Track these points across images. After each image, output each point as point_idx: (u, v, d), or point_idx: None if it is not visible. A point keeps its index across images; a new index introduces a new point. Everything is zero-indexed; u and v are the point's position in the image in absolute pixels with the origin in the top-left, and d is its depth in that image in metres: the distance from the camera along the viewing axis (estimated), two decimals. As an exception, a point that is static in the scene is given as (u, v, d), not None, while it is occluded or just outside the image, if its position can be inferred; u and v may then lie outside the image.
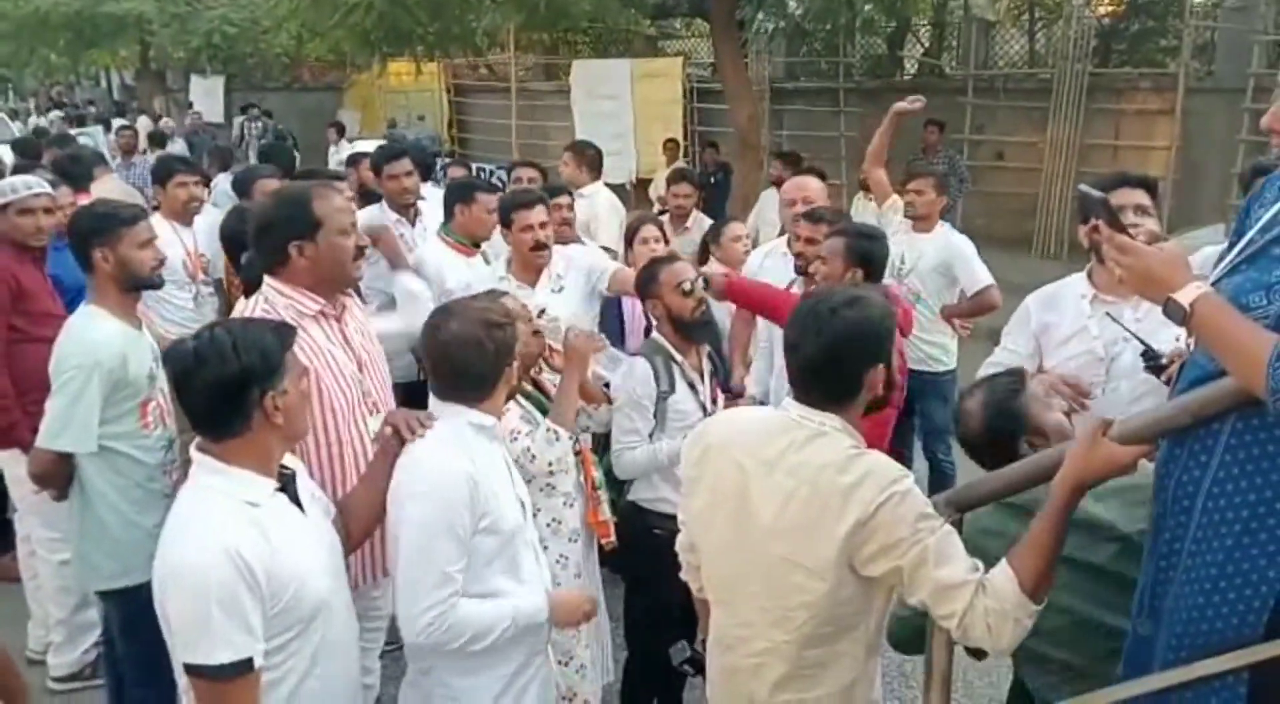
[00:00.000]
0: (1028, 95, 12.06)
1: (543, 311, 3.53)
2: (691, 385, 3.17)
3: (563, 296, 3.82)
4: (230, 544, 1.86)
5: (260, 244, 2.70)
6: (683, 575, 2.37)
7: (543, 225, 3.83)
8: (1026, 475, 1.98)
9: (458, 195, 4.41)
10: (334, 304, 2.74)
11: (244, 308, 2.74)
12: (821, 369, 1.97)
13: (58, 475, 2.97)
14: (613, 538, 3.07)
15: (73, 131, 14.21)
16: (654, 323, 3.31)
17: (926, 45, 15.27)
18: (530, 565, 2.33)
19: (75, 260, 3.10)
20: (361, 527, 2.34)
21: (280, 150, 8.37)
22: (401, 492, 2.18)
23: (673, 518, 2.96)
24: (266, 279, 2.70)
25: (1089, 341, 2.99)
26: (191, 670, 1.86)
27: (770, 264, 4.17)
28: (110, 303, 3.03)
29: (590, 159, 5.74)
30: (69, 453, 2.94)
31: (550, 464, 2.82)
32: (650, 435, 3.14)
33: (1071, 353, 3.02)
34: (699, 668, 2.40)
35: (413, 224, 5.01)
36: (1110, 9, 13.44)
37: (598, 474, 3.12)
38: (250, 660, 1.86)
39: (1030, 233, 11.54)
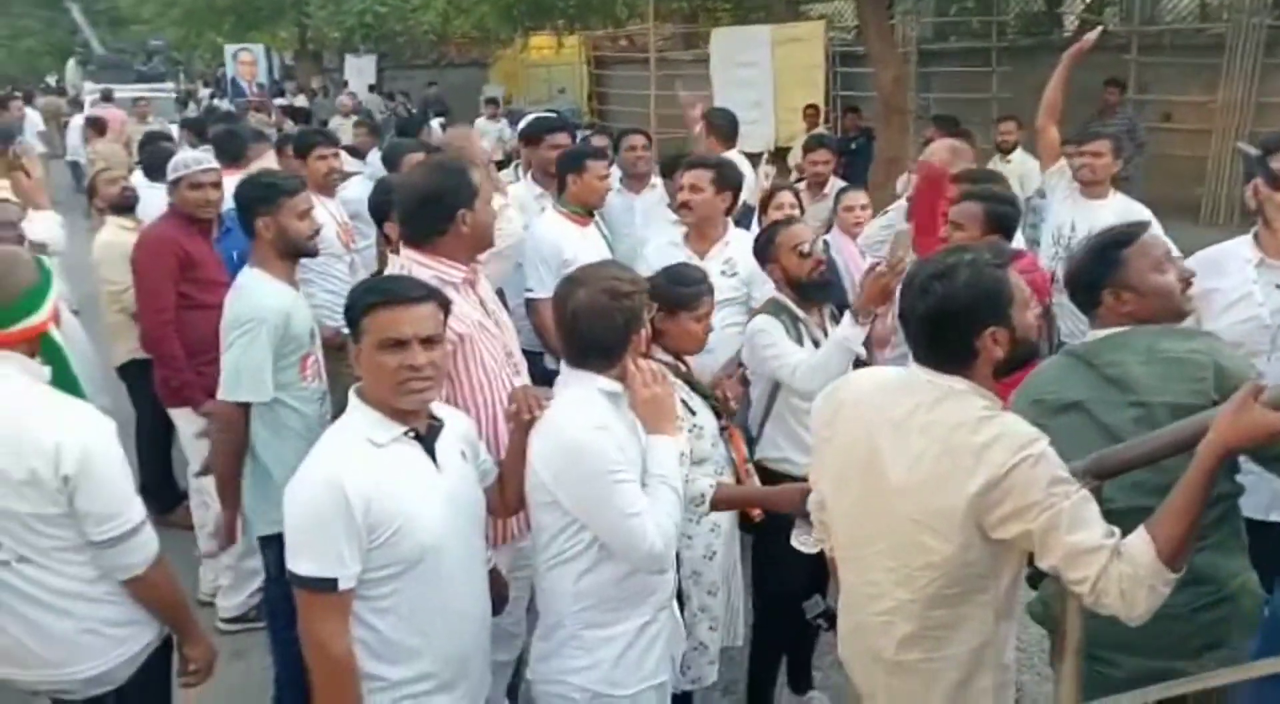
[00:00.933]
0: (1198, 52, 11.28)
1: None
2: (816, 343, 3.15)
3: (733, 282, 3.77)
4: (334, 473, 2.01)
5: (423, 214, 2.74)
6: (816, 535, 2.36)
7: (693, 188, 3.83)
8: (1170, 443, 1.93)
9: (569, 165, 4.41)
10: (471, 271, 2.82)
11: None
12: (927, 338, 1.98)
13: (238, 425, 3.13)
14: (760, 512, 3.05)
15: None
16: (775, 285, 3.29)
17: (1087, 1, 14.48)
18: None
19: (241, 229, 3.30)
20: (514, 493, 2.41)
21: (413, 125, 8.60)
22: (546, 453, 2.21)
23: (798, 479, 2.97)
24: (406, 251, 2.75)
25: (1254, 308, 2.82)
26: (290, 576, 2.03)
27: (890, 231, 4.04)
28: (272, 268, 3.20)
29: (722, 128, 5.66)
30: (247, 403, 3.10)
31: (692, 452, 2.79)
32: (773, 396, 3.15)
33: (1235, 319, 2.84)
34: (832, 622, 2.39)
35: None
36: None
37: (745, 449, 3.11)
38: (334, 581, 2.00)
39: (1198, 198, 10.84)
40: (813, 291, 3.20)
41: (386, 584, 2.08)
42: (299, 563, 2.01)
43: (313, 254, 3.39)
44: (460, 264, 2.76)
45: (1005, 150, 7.62)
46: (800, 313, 3.19)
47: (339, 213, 5.03)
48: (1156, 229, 3.23)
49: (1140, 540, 1.77)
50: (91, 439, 2.20)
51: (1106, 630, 1.97)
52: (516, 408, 2.35)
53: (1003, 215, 3.25)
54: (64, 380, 2.34)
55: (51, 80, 30.04)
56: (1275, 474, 2.17)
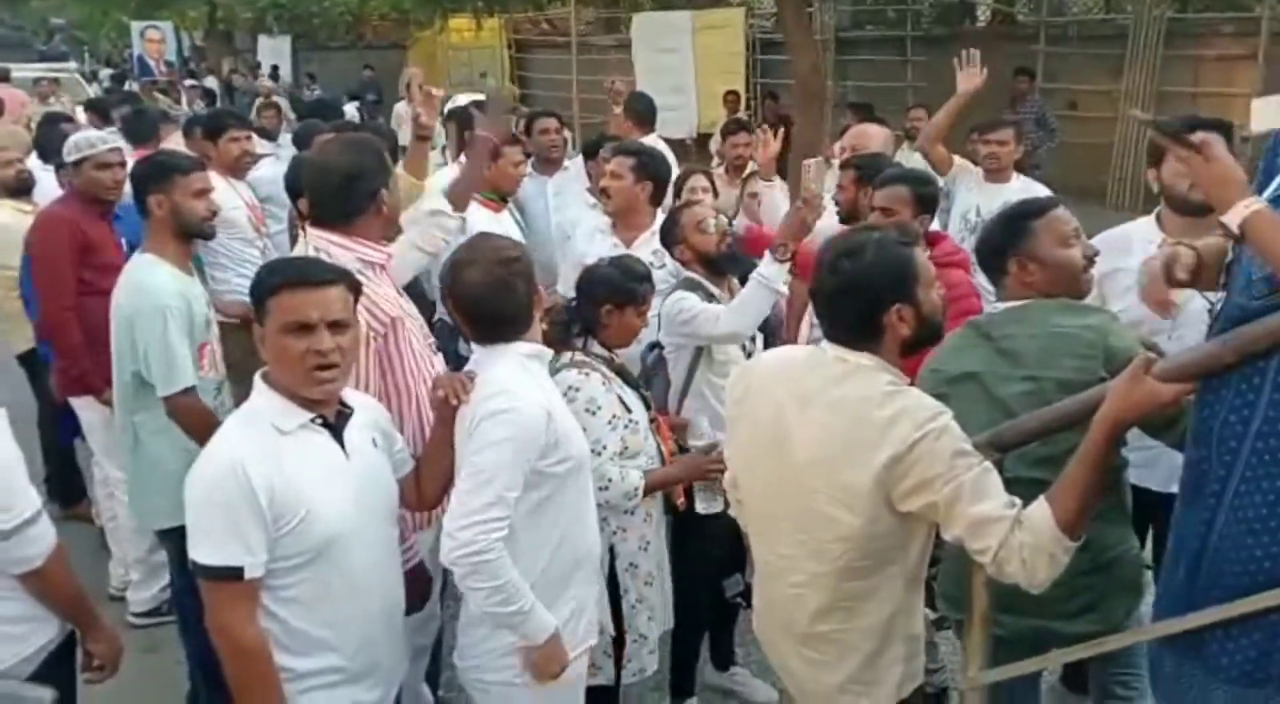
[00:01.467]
0: (1102, 42, 11.65)
1: None
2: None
3: (661, 273, 3.75)
4: (237, 460, 1.96)
5: (343, 192, 2.67)
6: (731, 512, 2.39)
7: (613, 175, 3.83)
8: (1067, 415, 1.99)
9: (586, 154, 4.45)
10: (385, 256, 2.78)
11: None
12: (836, 313, 2.02)
13: (199, 410, 3.02)
14: (684, 499, 3.08)
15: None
16: (684, 265, 3.34)
17: (998, -9, 14.82)
18: (590, 508, 2.38)
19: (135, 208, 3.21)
20: (436, 484, 2.39)
21: (328, 106, 8.39)
22: (478, 412, 2.18)
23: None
24: (319, 232, 2.68)
25: None
26: (193, 566, 1.99)
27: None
28: (165, 250, 3.11)
29: (640, 112, 5.65)
30: (191, 388, 3.01)
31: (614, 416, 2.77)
32: (691, 372, 3.21)
33: (1138, 298, 2.94)
34: (749, 599, 2.42)
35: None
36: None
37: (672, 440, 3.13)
38: (240, 569, 1.96)
39: (1104, 184, 11.21)
40: (724, 263, 3.26)
41: (292, 574, 2.03)
42: (201, 552, 1.97)
43: (208, 236, 3.32)
44: (379, 245, 2.72)
45: (914, 138, 7.72)
46: (714, 289, 3.22)
47: (249, 196, 4.91)
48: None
49: (1040, 510, 1.82)
50: None
51: (990, 592, 2.05)
52: (443, 393, 2.29)
53: (929, 196, 3.33)
54: None
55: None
56: (1167, 444, 2.26)
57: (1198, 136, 1.82)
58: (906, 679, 2.07)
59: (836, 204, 3.79)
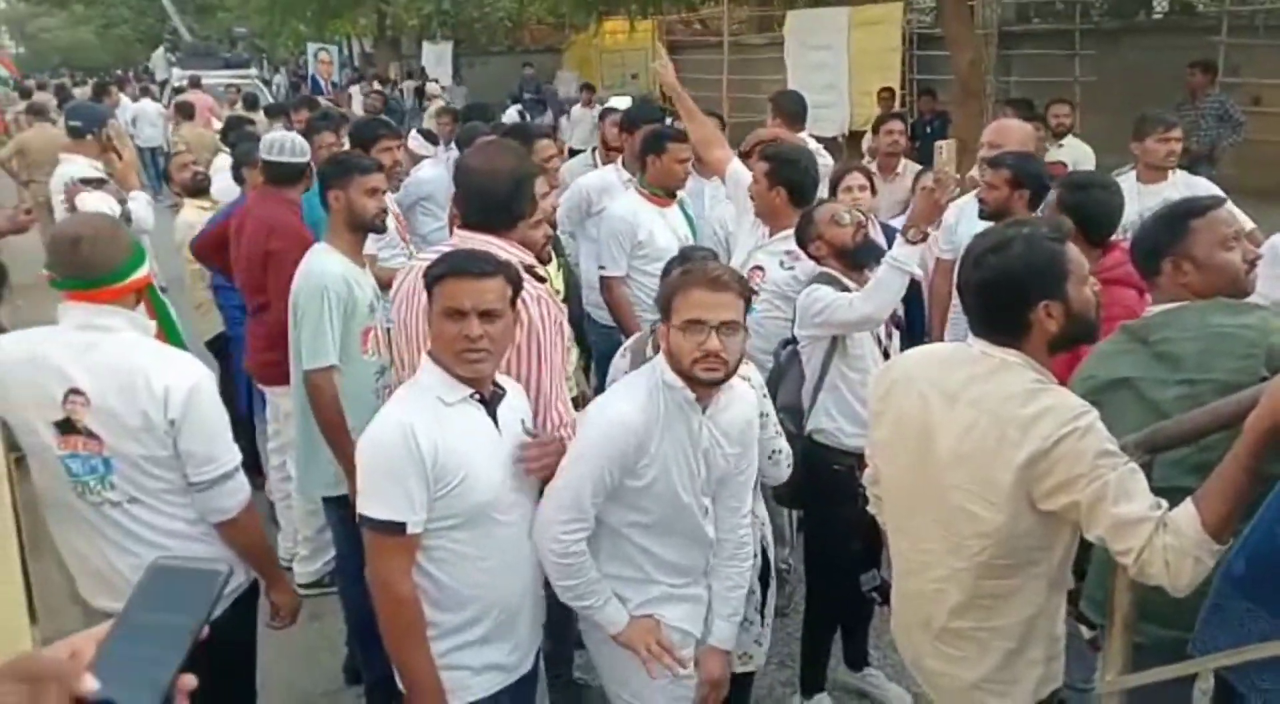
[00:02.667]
0: (1292, 31, 10.86)
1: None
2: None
3: (786, 276, 3.75)
4: (407, 423, 2.12)
5: (513, 198, 2.71)
6: (870, 508, 2.39)
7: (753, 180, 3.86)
8: (1220, 416, 1.92)
9: (649, 146, 4.43)
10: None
11: None
12: (982, 310, 2.01)
13: (331, 388, 3.24)
14: None
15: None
16: (818, 261, 3.33)
17: (1178, -20, 14.04)
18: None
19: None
20: None
21: (484, 109, 8.66)
22: (587, 419, 2.38)
23: (850, 453, 3.00)
24: (473, 234, 2.68)
25: None
26: (360, 519, 2.15)
27: (969, 214, 3.98)
28: (339, 241, 3.37)
29: (790, 110, 5.60)
30: (330, 367, 3.21)
31: None
32: (825, 366, 3.21)
33: None
34: (886, 596, 2.42)
35: None
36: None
37: None
38: (403, 525, 2.11)
39: (1290, 184, 10.46)
40: (862, 255, 3.23)
41: (447, 534, 2.19)
42: (370, 506, 2.13)
43: (380, 230, 3.55)
44: (525, 249, 2.77)
45: (1059, 135, 7.40)
46: (849, 283, 3.20)
47: (394, 206, 5.10)
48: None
49: (1186, 512, 1.78)
50: (194, 386, 2.36)
51: (1135, 599, 2.00)
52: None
53: (1075, 204, 3.09)
54: (168, 328, 2.52)
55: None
56: None
57: None
58: (1045, 681, 2.05)
59: (981, 200, 3.69)
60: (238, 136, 6.30)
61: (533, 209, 2.78)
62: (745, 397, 2.47)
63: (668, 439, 2.29)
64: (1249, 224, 3.88)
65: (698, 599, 2.50)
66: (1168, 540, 1.76)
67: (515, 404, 2.37)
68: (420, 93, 17.98)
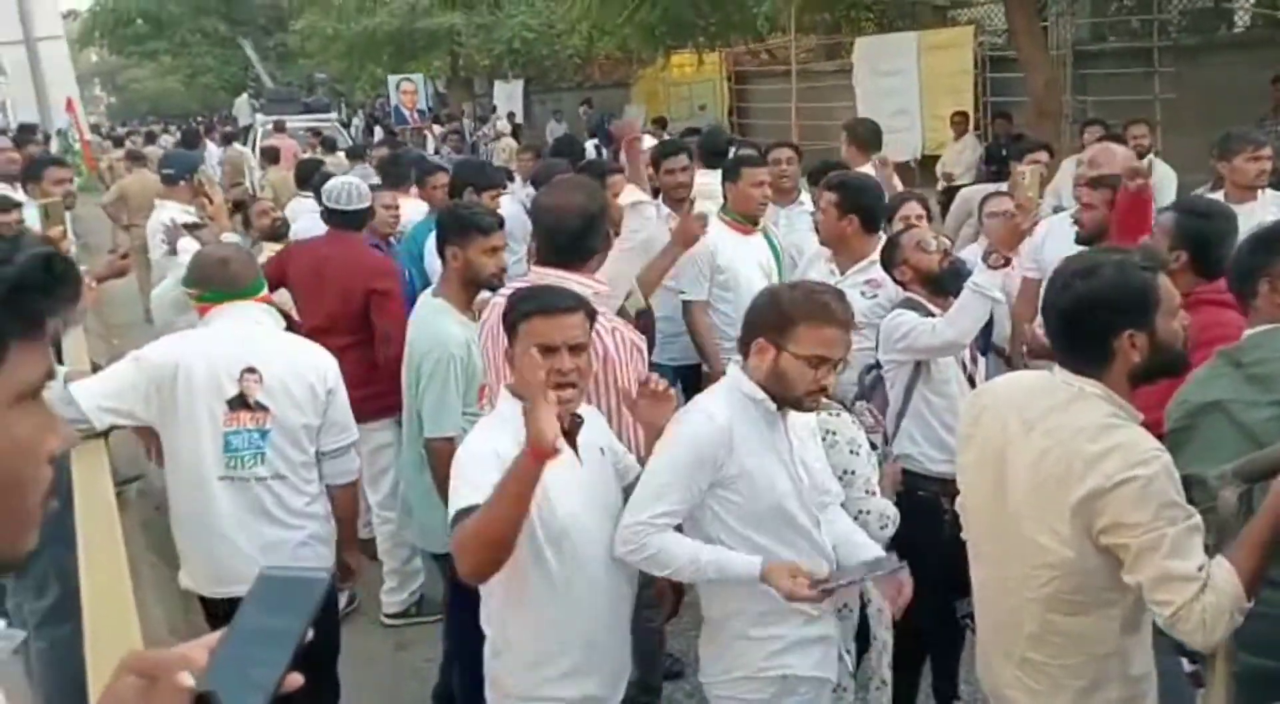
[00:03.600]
0: (1386, 41, 10.51)
1: None
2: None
3: (870, 304, 3.74)
4: (493, 441, 2.22)
5: (585, 233, 2.82)
6: (963, 534, 2.36)
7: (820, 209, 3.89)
8: None
9: (726, 174, 4.48)
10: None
11: None
12: (1065, 335, 2.00)
13: (450, 455, 3.25)
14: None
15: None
16: (903, 287, 3.36)
17: (1259, -7, 13.68)
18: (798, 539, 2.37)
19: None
20: None
21: (571, 143, 8.79)
22: (669, 428, 2.38)
23: (935, 478, 2.99)
24: (543, 270, 2.82)
25: None
26: (453, 517, 2.18)
27: (1058, 234, 3.91)
28: (452, 295, 3.34)
29: (863, 137, 5.60)
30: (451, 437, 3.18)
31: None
32: (909, 391, 3.19)
33: None
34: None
35: None
36: None
37: None
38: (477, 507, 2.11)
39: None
40: (948, 280, 3.22)
41: (525, 558, 2.21)
42: (459, 500, 2.17)
43: (495, 288, 3.38)
44: (599, 279, 2.86)
45: (1139, 156, 7.19)
46: (933, 309, 3.19)
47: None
48: None
49: (1224, 572, 1.79)
50: (337, 366, 2.96)
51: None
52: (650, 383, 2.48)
53: (1195, 230, 2.95)
54: None
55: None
56: None
57: None
58: None
59: (1078, 223, 3.64)
60: (321, 178, 6.50)
61: (607, 243, 2.83)
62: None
63: (756, 445, 2.29)
64: None
65: (828, 641, 2.43)
66: (1209, 600, 1.77)
67: (594, 432, 2.41)
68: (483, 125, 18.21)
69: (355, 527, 3.19)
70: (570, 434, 2.30)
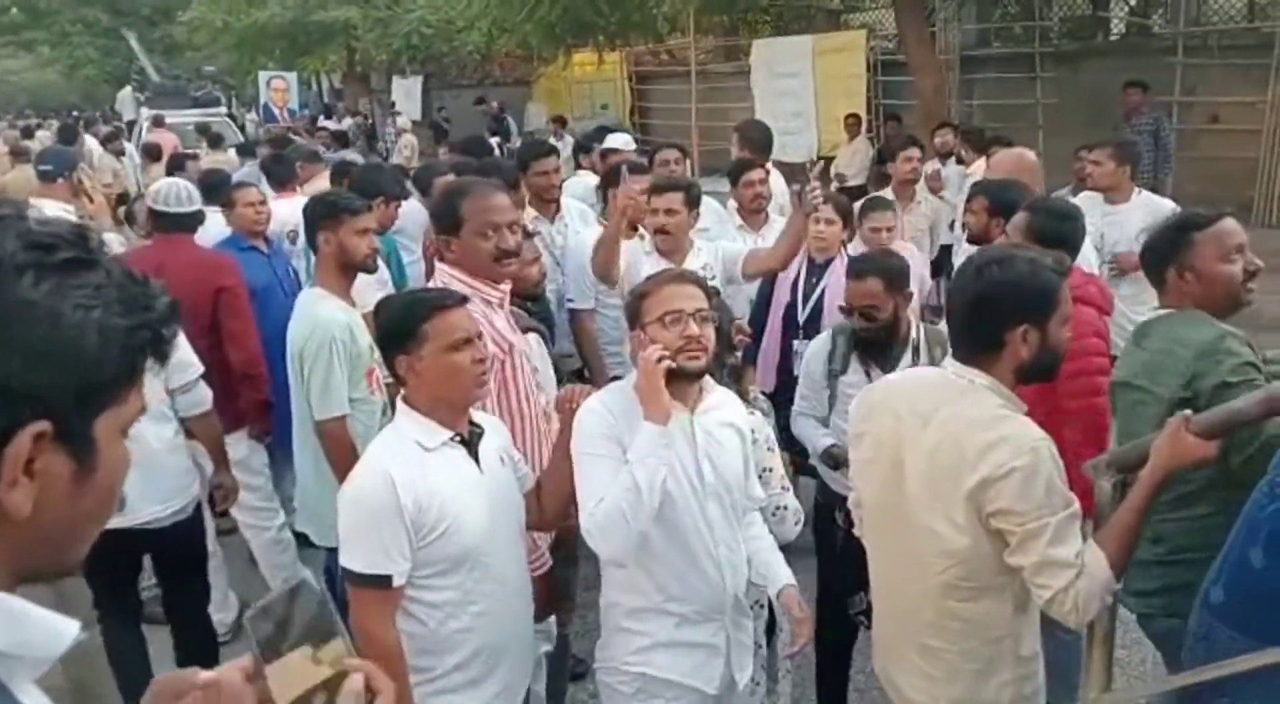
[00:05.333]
0: (1245, 52, 11.11)
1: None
2: (869, 373, 3.20)
3: (714, 284, 3.86)
4: (385, 474, 2.13)
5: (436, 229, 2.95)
6: (856, 531, 2.42)
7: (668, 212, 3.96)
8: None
9: (611, 179, 4.50)
10: (501, 292, 2.89)
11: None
12: (964, 321, 2.05)
13: (346, 437, 3.23)
14: None
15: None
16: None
17: (1133, 4, 14.32)
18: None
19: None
20: (557, 500, 2.49)
21: (480, 143, 8.67)
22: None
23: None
24: (441, 266, 2.88)
25: None
26: (345, 573, 2.16)
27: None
28: (330, 281, 3.37)
29: (755, 140, 5.67)
30: (342, 417, 3.23)
31: None
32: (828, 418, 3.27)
33: None
34: (870, 620, 2.44)
35: (552, 221, 4.86)
36: (1347, -50, 12.17)
37: None
38: (388, 578, 2.11)
39: (1250, 200, 10.66)
40: None
41: (434, 580, 2.18)
42: (355, 561, 2.13)
43: (370, 271, 3.52)
44: (495, 286, 2.85)
45: (943, 156, 7.91)
46: None
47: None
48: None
49: (1096, 558, 1.92)
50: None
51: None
52: (567, 395, 2.46)
53: (1047, 229, 3.09)
54: None
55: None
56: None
57: None
58: (1020, 701, 2.08)
59: (965, 227, 3.79)
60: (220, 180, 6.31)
61: (451, 244, 2.82)
62: (734, 401, 2.48)
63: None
64: None
65: (710, 650, 2.34)
66: (1084, 585, 1.89)
67: (494, 440, 2.38)
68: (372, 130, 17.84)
69: (222, 448, 3.53)
70: (470, 444, 2.28)
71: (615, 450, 2.21)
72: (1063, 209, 3.30)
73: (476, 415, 2.38)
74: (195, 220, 4.22)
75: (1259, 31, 11.37)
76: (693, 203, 3.98)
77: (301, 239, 5.03)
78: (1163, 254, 2.47)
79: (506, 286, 2.90)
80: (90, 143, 15.79)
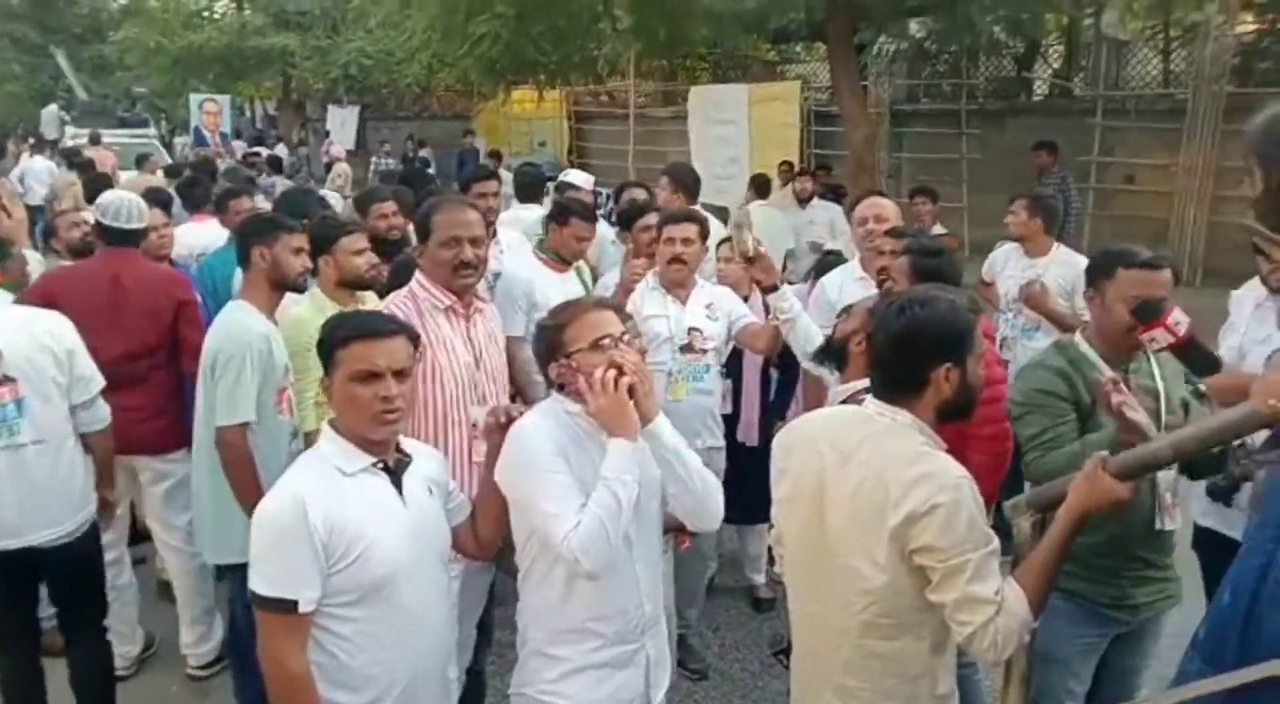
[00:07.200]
0: (1160, 116, 11.65)
1: (695, 330, 3.81)
2: None
3: (717, 326, 3.91)
4: (299, 497, 2.07)
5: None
6: (776, 569, 2.42)
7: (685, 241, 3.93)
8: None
9: (554, 215, 4.52)
10: (463, 304, 3.03)
11: (392, 297, 3.11)
12: (887, 360, 2.08)
13: (244, 446, 3.19)
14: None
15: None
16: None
17: (1056, 67, 14.92)
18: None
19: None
20: (489, 523, 2.43)
21: (421, 176, 8.65)
22: (503, 456, 2.28)
23: None
24: (417, 273, 3.08)
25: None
26: (252, 596, 2.08)
27: (852, 291, 4.07)
28: (258, 298, 3.35)
29: (686, 183, 5.73)
30: (244, 424, 3.19)
31: None
32: None
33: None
34: (790, 658, 2.43)
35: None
36: (1253, 27, 12.85)
37: None
38: (295, 603, 2.04)
39: (1162, 258, 11.09)
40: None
41: (345, 610, 2.11)
42: (261, 584, 2.06)
43: (300, 290, 3.53)
44: (448, 292, 3.00)
45: (802, 198, 8.83)
46: None
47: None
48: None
49: (1016, 595, 1.95)
50: (69, 325, 3.20)
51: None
52: (492, 414, 2.41)
53: (929, 268, 3.21)
54: None
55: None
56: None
57: None
58: None
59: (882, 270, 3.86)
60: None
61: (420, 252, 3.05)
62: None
63: (580, 463, 2.21)
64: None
65: (633, 669, 2.33)
66: (1003, 622, 1.91)
67: (424, 470, 2.32)
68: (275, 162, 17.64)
69: (112, 466, 3.45)
70: (395, 472, 2.23)
71: (568, 467, 2.19)
72: (933, 247, 3.45)
73: (408, 444, 2.33)
74: (141, 236, 4.19)
75: (1173, 98, 11.93)
76: (704, 235, 3.98)
77: (202, 263, 4.99)
78: (1089, 274, 2.70)
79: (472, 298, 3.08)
80: (35, 161, 15.23)
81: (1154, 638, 2.76)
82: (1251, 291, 3.41)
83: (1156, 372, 2.67)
